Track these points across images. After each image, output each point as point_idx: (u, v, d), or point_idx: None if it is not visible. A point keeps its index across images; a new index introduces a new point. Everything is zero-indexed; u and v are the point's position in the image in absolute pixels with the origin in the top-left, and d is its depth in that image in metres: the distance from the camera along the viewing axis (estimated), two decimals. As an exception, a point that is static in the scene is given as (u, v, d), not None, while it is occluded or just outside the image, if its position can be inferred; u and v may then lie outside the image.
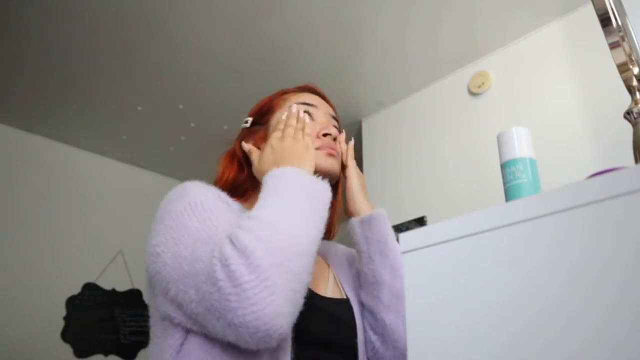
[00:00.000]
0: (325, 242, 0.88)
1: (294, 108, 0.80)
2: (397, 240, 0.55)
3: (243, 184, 0.81)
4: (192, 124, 2.64)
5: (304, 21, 1.95)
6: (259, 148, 0.81)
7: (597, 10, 0.70)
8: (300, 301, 0.56)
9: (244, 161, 0.82)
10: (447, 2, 1.85)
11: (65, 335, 2.48)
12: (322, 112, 0.86)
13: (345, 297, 0.79)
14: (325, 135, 0.81)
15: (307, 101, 0.85)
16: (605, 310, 0.34)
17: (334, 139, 0.83)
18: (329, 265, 0.84)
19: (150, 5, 1.87)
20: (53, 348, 2.42)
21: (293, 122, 0.77)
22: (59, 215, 2.67)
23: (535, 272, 0.38)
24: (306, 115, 0.82)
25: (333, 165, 0.81)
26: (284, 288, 0.53)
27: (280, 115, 0.83)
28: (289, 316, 0.54)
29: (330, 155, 0.81)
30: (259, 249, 0.53)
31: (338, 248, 0.92)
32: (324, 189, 0.67)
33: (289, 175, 0.65)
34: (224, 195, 0.72)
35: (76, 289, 2.61)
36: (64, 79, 2.27)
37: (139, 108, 2.51)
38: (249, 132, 0.85)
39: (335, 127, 0.87)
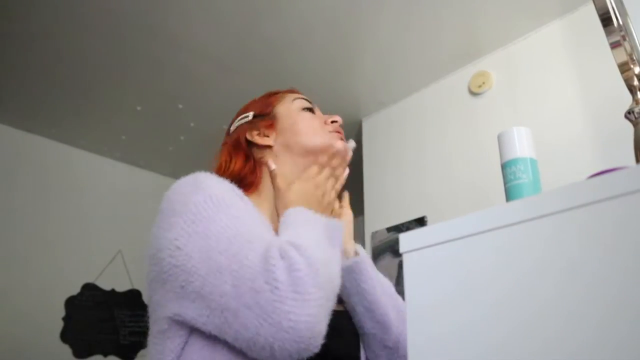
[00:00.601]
0: None
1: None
2: (397, 243, 0.55)
3: (249, 176, 0.79)
4: (192, 124, 2.64)
5: (305, 21, 1.95)
6: (266, 136, 0.82)
7: (598, 10, 0.70)
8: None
9: (250, 153, 0.82)
10: (448, 1, 1.85)
11: (65, 336, 2.49)
12: (319, 111, 0.89)
13: (342, 308, 0.78)
14: (333, 122, 0.84)
15: (305, 97, 0.88)
16: (605, 311, 0.33)
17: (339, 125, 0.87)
18: None
19: (150, 4, 1.87)
20: (52, 349, 2.42)
21: (335, 162, 0.77)
22: (58, 215, 2.68)
23: (536, 272, 0.38)
24: (308, 111, 0.85)
25: (344, 146, 0.83)
26: (327, 316, 0.56)
27: (288, 106, 0.85)
28: (322, 341, 0.55)
29: (340, 138, 0.84)
30: (319, 273, 0.55)
31: None
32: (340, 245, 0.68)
33: (326, 226, 0.66)
34: (237, 190, 0.71)
35: (75, 289, 2.61)
36: (63, 79, 2.27)
37: (139, 108, 2.51)
38: (252, 123, 0.84)
39: None
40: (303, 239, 0.58)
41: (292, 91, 0.90)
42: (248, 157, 0.81)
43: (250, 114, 0.86)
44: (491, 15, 1.91)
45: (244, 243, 0.57)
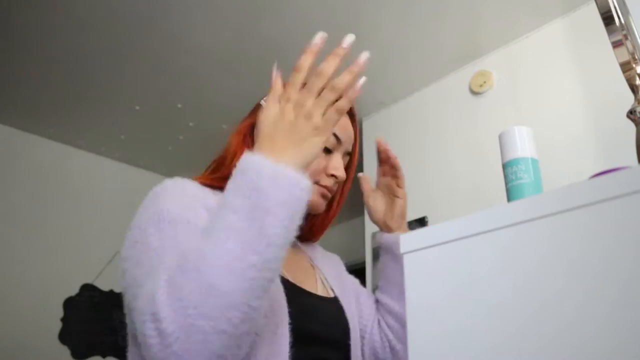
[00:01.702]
0: (309, 244, 0.87)
1: (318, 39, 0.60)
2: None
3: None
4: (191, 124, 2.64)
5: (304, 20, 1.94)
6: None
7: (600, 9, 0.70)
8: (245, 339, 0.49)
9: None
10: (449, 0, 1.84)
11: (63, 337, 2.48)
12: (343, 147, 0.76)
13: (333, 296, 0.77)
14: (331, 175, 0.74)
15: (336, 132, 0.74)
16: (607, 311, 0.33)
17: (336, 181, 0.75)
18: (314, 267, 0.82)
19: (149, 3, 1.87)
20: (51, 350, 2.41)
21: (317, 81, 0.57)
22: (57, 216, 2.67)
23: (537, 272, 0.38)
24: (324, 152, 0.73)
25: (319, 206, 0.74)
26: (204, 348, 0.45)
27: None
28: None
29: (323, 196, 0.74)
30: (169, 310, 0.45)
31: (320, 250, 0.89)
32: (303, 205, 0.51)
33: (275, 177, 0.49)
34: (209, 192, 0.64)
35: (74, 290, 2.60)
36: (61, 78, 2.27)
37: (137, 107, 2.50)
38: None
39: (348, 155, 0.79)
40: (194, 250, 0.47)
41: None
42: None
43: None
44: (492, 14, 1.91)
45: (146, 278, 0.51)
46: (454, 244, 0.44)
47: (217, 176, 0.72)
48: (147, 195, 0.65)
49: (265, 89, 0.93)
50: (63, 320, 2.51)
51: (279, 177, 0.49)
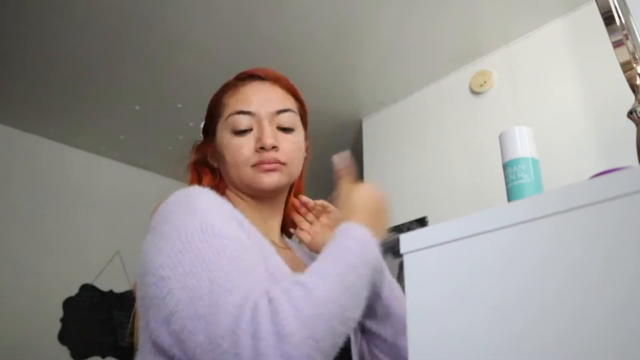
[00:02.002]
0: (294, 241, 0.86)
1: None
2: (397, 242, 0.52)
3: (219, 187, 0.75)
4: (191, 124, 2.63)
5: (304, 20, 1.94)
6: (211, 167, 0.78)
7: (600, 9, 0.70)
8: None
9: (212, 164, 0.78)
10: (449, 0, 1.84)
11: (62, 337, 2.47)
12: (262, 114, 0.74)
13: None
14: (261, 148, 0.72)
15: (242, 108, 0.74)
16: (608, 311, 0.33)
17: (273, 147, 0.72)
18: (306, 265, 0.80)
19: (148, 3, 1.87)
20: (50, 350, 2.41)
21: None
22: (56, 216, 2.66)
23: (538, 273, 0.38)
24: (238, 135, 0.73)
25: (276, 180, 0.72)
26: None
27: (222, 135, 0.74)
28: None
29: (268, 171, 0.72)
30: (297, 333, 0.47)
31: (304, 247, 0.87)
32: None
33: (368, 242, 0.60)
34: (231, 208, 0.66)
35: (73, 290, 2.59)
36: (60, 77, 2.26)
37: (137, 107, 2.50)
38: (202, 145, 0.80)
39: (281, 128, 0.75)
40: (307, 283, 0.51)
41: (242, 80, 0.78)
42: (214, 171, 0.78)
43: (202, 126, 0.81)
44: (492, 13, 1.91)
45: (225, 293, 0.52)
46: (454, 244, 0.44)
47: None
48: (168, 200, 0.64)
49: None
50: (62, 320, 2.51)
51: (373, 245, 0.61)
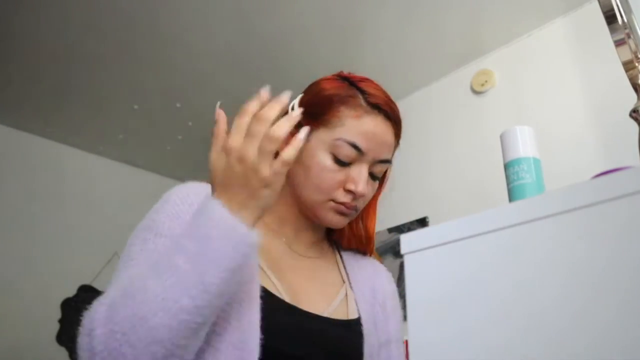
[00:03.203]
0: (360, 256, 0.80)
1: (221, 117, 0.58)
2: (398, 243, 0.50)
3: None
4: (190, 123, 2.63)
5: (304, 19, 1.94)
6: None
7: (602, 7, 0.69)
8: None
9: None
10: None
11: (61, 338, 2.46)
12: (369, 158, 0.69)
13: (352, 317, 0.70)
14: (349, 191, 0.67)
15: (357, 143, 0.67)
16: (609, 312, 0.33)
17: (354, 197, 0.68)
18: (344, 281, 0.75)
19: (148, 3, 1.87)
20: (48, 351, 2.40)
21: (258, 125, 0.53)
22: (54, 216, 2.65)
23: (539, 273, 0.37)
24: (334, 164, 0.67)
25: (337, 223, 0.70)
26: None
27: (319, 146, 0.67)
28: None
29: (341, 213, 0.69)
30: (102, 330, 0.53)
31: (368, 266, 0.80)
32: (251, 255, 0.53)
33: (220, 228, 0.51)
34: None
35: (71, 291, 2.58)
36: (58, 76, 2.26)
37: (136, 107, 2.50)
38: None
39: (372, 174, 0.71)
40: (123, 284, 0.55)
41: (372, 107, 0.72)
42: None
43: (296, 103, 0.72)
44: (493, 13, 1.90)
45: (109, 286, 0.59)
46: (455, 245, 0.44)
47: None
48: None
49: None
50: (60, 321, 2.50)
51: (229, 230, 0.50)
